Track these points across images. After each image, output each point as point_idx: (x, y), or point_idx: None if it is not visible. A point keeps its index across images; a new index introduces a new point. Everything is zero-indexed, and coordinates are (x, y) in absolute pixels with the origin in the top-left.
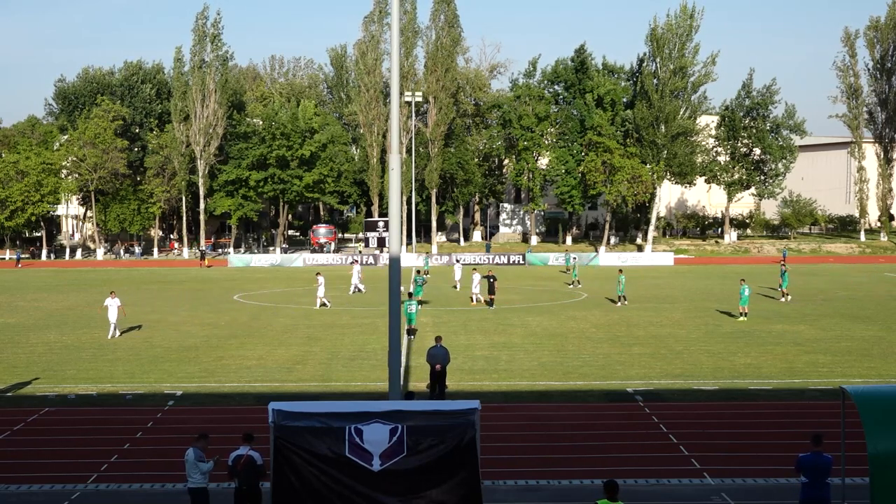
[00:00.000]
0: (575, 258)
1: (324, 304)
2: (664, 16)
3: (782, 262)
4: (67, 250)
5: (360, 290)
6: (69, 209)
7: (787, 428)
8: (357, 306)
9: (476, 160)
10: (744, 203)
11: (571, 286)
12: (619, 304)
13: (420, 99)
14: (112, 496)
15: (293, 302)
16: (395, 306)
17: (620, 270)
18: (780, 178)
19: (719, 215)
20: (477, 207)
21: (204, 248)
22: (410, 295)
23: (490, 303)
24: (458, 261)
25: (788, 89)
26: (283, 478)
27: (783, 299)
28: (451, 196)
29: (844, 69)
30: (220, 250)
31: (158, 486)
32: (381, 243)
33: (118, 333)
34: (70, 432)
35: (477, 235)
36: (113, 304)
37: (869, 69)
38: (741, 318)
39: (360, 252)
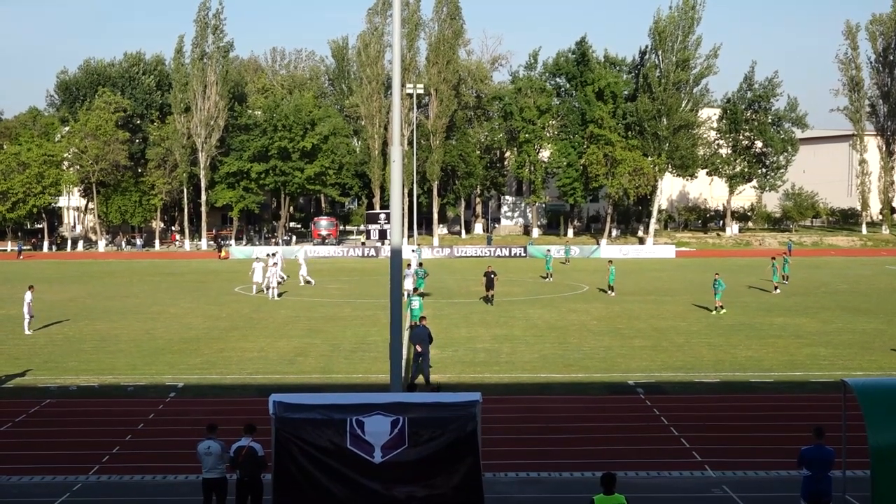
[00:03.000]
0: (549, 250)
1: (260, 290)
2: (667, 8)
3: (773, 258)
4: (69, 242)
5: (271, 287)
6: (70, 201)
7: (787, 420)
8: (359, 298)
9: (477, 152)
10: (745, 196)
11: (546, 278)
12: (610, 293)
13: (421, 91)
14: (114, 488)
15: (294, 294)
16: (397, 298)
17: (610, 261)
18: (782, 170)
19: (721, 208)
20: (478, 200)
21: (222, 241)
22: (416, 290)
23: (489, 299)
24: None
25: (790, 82)
26: (285, 469)
27: (776, 291)
28: (452, 188)
29: (846, 62)
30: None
31: (160, 477)
32: (383, 236)
33: (28, 329)
34: (72, 424)
35: (478, 228)
36: (27, 299)
37: (871, 62)
38: (714, 312)
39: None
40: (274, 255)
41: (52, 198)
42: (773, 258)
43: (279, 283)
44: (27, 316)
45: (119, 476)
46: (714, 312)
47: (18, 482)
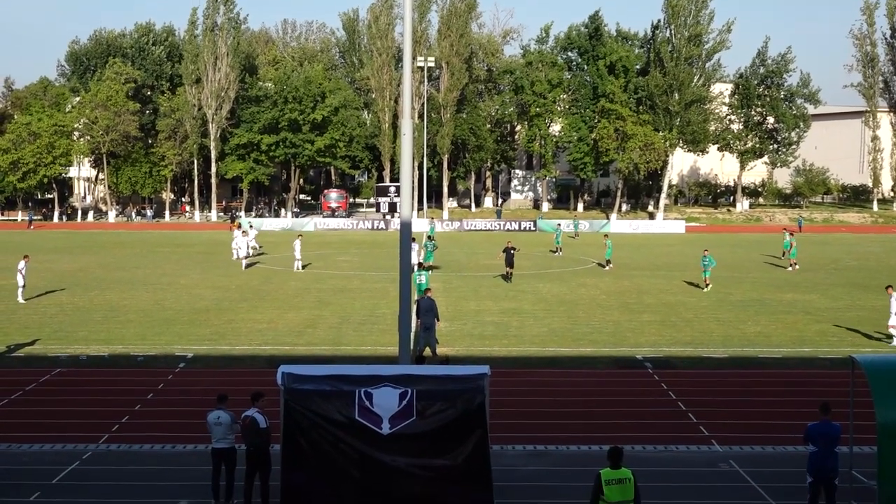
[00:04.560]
0: (559, 225)
1: (252, 264)
2: None
3: (791, 232)
4: (79, 212)
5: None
6: (81, 171)
7: (795, 396)
8: (368, 271)
9: (488, 126)
10: (756, 172)
11: (556, 253)
12: (606, 267)
13: (433, 64)
14: (123, 456)
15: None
16: (406, 270)
17: (606, 236)
18: (794, 146)
19: (732, 184)
20: (488, 173)
21: (235, 212)
22: (420, 265)
23: (508, 277)
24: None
25: (803, 58)
26: (293, 440)
27: (790, 269)
28: (462, 162)
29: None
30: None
31: (169, 446)
32: (393, 208)
33: (21, 299)
34: (81, 393)
35: (488, 201)
36: (22, 268)
37: (886, 38)
38: (705, 290)
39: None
40: (249, 226)
41: (63, 168)
42: (792, 233)
43: (250, 253)
44: (21, 284)
45: (129, 445)
46: (706, 290)
47: (29, 450)
